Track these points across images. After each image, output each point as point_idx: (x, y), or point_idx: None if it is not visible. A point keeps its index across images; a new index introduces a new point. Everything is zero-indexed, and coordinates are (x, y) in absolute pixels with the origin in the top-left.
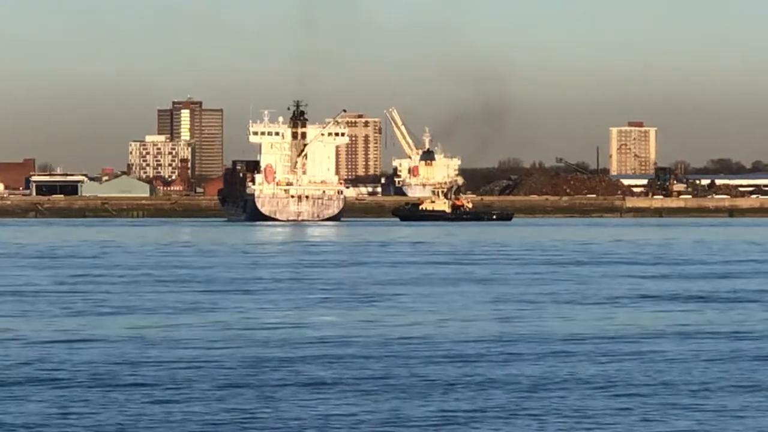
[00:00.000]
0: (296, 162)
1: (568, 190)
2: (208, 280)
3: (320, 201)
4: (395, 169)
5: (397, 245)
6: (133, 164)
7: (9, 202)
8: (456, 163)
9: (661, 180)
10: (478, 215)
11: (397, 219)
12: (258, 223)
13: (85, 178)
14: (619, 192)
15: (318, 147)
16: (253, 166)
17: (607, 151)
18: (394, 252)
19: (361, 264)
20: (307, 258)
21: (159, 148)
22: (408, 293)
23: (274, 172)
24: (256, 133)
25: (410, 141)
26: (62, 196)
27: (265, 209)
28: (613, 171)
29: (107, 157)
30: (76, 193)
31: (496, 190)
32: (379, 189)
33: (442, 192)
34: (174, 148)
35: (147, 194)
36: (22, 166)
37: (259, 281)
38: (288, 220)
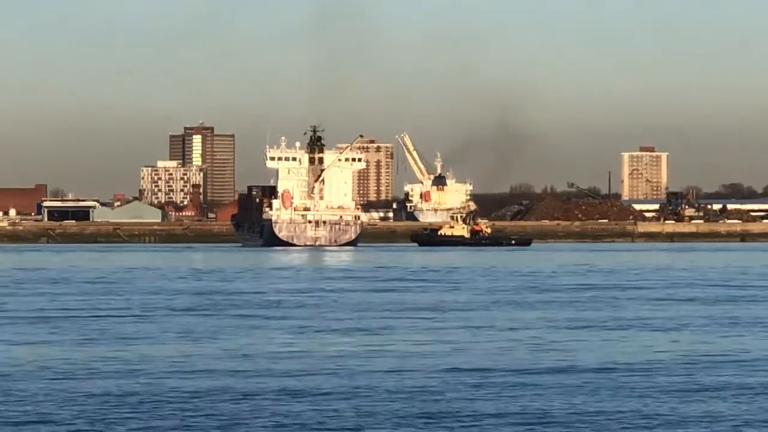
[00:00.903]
0: (313, 187)
1: (579, 215)
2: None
3: (337, 226)
4: (407, 194)
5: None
6: (144, 189)
7: (21, 228)
8: (467, 188)
9: (672, 205)
10: (497, 240)
11: (416, 244)
12: (275, 248)
13: (97, 204)
14: (630, 217)
15: (335, 172)
16: (270, 192)
17: (618, 176)
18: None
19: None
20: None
21: (171, 174)
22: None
23: (292, 198)
24: (273, 159)
25: (422, 166)
26: (74, 221)
27: (282, 234)
28: (625, 196)
29: (119, 182)
30: (88, 219)
31: (508, 215)
32: (390, 214)
33: (461, 217)
34: (186, 174)
35: (159, 219)
36: (34, 192)
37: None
38: (305, 246)
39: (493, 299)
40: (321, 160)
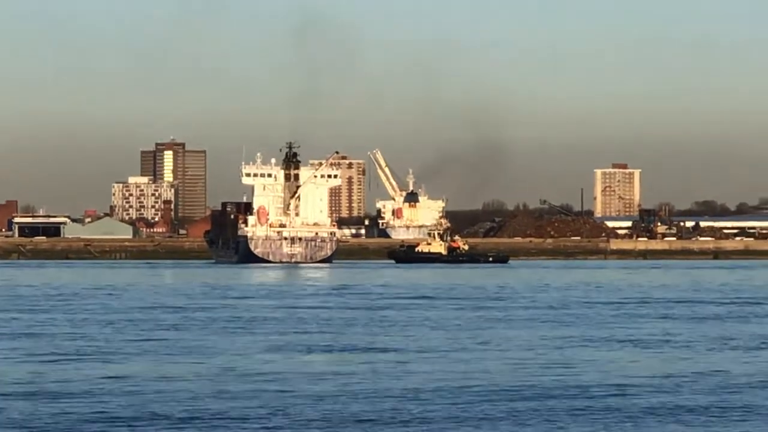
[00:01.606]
0: (289, 204)
1: (552, 233)
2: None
3: (313, 243)
4: (379, 211)
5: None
6: (116, 206)
7: None
8: (440, 205)
9: (645, 222)
10: (474, 257)
11: (393, 261)
12: (251, 264)
13: (68, 220)
14: (603, 234)
15: (311, 189)
16: (244, 208)
17: (591, 193)
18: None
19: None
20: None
21: (142, 190)
22: None
23: (267, 214)
24: (249, 175)
25: (394, 183)
26: (45, 237)
27: (258, 251)
28: (598, 213)
29: (90, 198)
30: (59, 235)
31: (481, 232)
32: (363, 231)
33: (438, 234)
34: (157, 190)
35: (130, 236)
36: (4, 208)
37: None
38: (281, 262)
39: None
40: (297, 177)
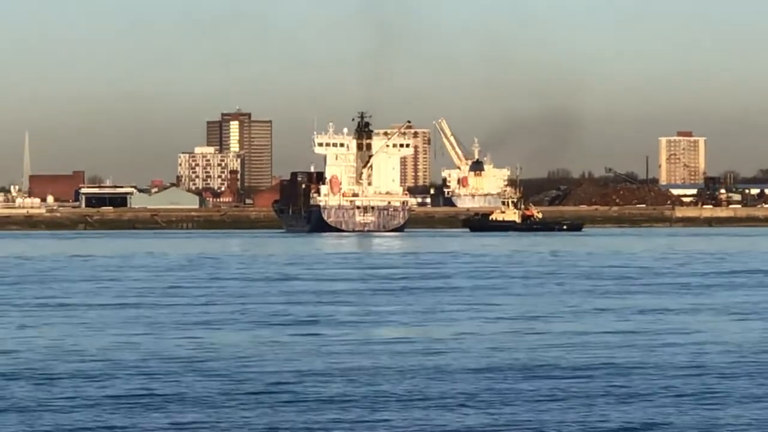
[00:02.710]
0: (362, 173)
1: (617, 200)
2: None
3: (386, 212)
4: (444, 180)
5: None
6: (182, 176)
7: (59, 214)
8: (505, 173)
9: (710, 190)
10: (548, 225)
11: (467, 229)
12: (324, 234)
13: (135, 190)
14: (668, 202)
15: (383, 158)
16: (316, 177)
17: (656, 161)
18: None
19: None
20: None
21: (208, 160)
22: None
23: (340, 183)
24: (321, 144)
25: (459, 151)
26: (111, 208)
27: (331, 220)
28: (663, 181)
29: (156, 168)
30: (126, 205)
31: (546, 200)
32: (428, 200)
33: (512, 202)
34: (223, 160)
35: (196, 206)
36: (71, 179)
37: None
38: (354, 231)
39: None
40: (369, 146)
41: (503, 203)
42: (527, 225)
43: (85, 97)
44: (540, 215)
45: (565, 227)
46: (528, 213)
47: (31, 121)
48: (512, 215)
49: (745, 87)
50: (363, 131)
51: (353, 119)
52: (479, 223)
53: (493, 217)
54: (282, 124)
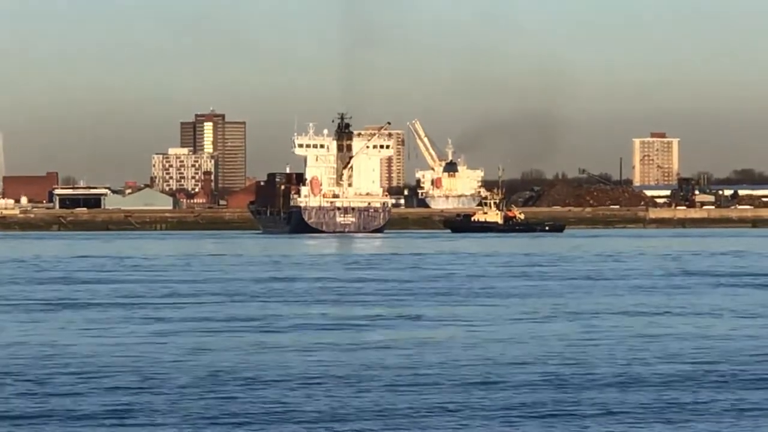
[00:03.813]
0: (342, 174)
1: (591, 201)
2: None
3: (366, 213)
4: (418, 181)
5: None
6: (156, 177)
7: (33, 216)
8: (479, 174)
9: (684, 191)
10: (530, 226)
11: (448, 230)
12: (305, 234)
13: (109, 191)
14: (642, 203)
15: (363, 159)
16: (296, 179)
17: (630, 162)
18: None
19: None
20: None
21: (182, 161)
22: None
23: (320, 185)
24: (301, 146)
25: (433, 153)
26: (85, 209)
27: (312, 221)
28: (636, 182)
29: (130, 170)
30: (100, 206)
31: (520, 201)
32: (402, 201)
33: (494, 203)
34: (197, 161)
35: (170, 207)
36: (45, 180)
37: None
38: (334, 232)
39: None
40: (349, 147)
41: (485, 204)
42: (509, 226)
43: (59, 99)
44: (522, 216)
45: (547, 228)
46: (510, 214)
47: (5, 122)
48: (494, 216)
49: (719, 88)
50: (343, 132)
51: (333, 120)
52: (461, 224)
53: (475, 218)
54: (256, 125)
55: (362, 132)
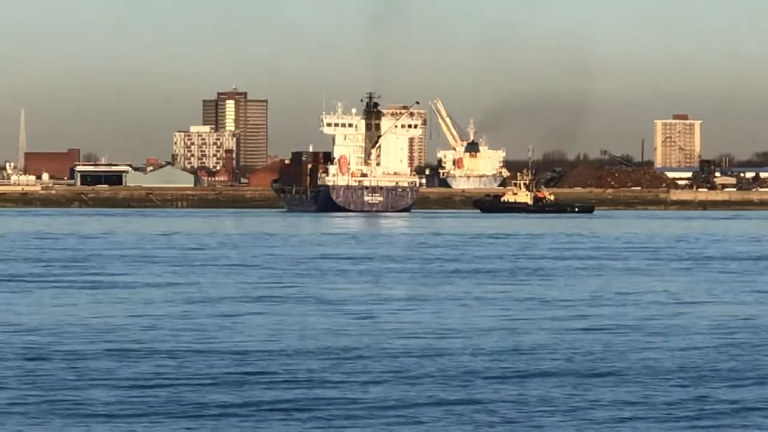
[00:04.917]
0: (370, 153)
1: (612, 183)
2: None
3: (394, 192)
4: (440, 161)
5: None
6: (177, 155)
7: (54, 192)
8: (500, 155)
9: (705, 173)
10: (560, 208)
11: (478, 211)
12: (332, 213)
13: (130, 168)
14: (663, 185)
15: (391, 139)
16: (323, 157)
17: (651, 143)
18: None
19: None
20: None
21: (204, 139)
22: None
23: (348, 163)
24: (329, 124)
25: (455, 132)
26: (107, 186)
27: (339, 200)
28: (658, 164)
29: (152, 147)
30: (121, 183)
31: (541, 182)
32: (423, 180)
33: (524, 184)
34: (219, 139)
35: (191, 184)
36: (67, 156)
37: None
38: (362, 211)
39: None
40: (378, 126)
41: (514, 185)
42: (539, 207)
43: (81, 75)
44: (552, 197)
45: (577, 209)
46: (540, 195)
47: (27, 98)
48: (524, 197)
49: (741, 70)
50: (372, 111)
51: (361, 100)
52: (491, 204)
53: (504, 198)
54: (278, 104)
55: (384, 111)
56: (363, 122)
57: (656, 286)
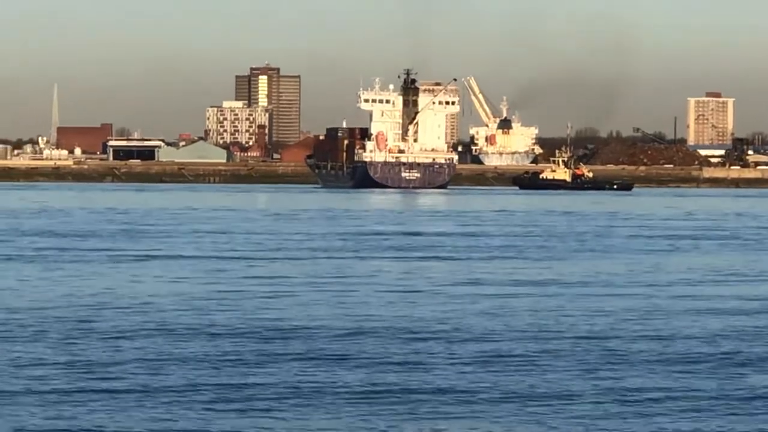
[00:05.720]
0: (407, 130)
1: (645, 160)
2: None
3: (431, 169)
4: (472, 138)
5: None
6: (210, 130)
7: (86, 167)
8: (533, 131)
9: (738, 151)
10: (598, 185)
11: (516, 187)
12: (370, 189)
13: (162, 144)
14: (696, 162)
15: (429, 115)
16: (360, 133)
17: (684, 121)
18: None
19: None
20: None
21: (236, 114)
22: None
23: (386, 140)
24: (367, 101)
25: (487, 109)
26: (139, 161)
27: (377, 176)
28: (691, 141)
29: (184, 122)
30: (153, 158)
31: (574, 159)
32: (456, 157)
33: (562, 161)
34: (251, 114)
35: (224, 160)
36: (99, 131)
37: None
38: (399, 187)
39: None
40: (415, 103)
41: (553, 162)
42: (578, 184)
43: (114, 50)
44: (591, 174)
45: (615, 186)
46: (578, 172)
47: (60, 73)
48: (563, 174)
49: None
50: (409, 88)
51: (399, 76)
52: (530, 181)
53: (543, 175)
54: (310, 79)
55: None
56: (400, 98)
57: None
